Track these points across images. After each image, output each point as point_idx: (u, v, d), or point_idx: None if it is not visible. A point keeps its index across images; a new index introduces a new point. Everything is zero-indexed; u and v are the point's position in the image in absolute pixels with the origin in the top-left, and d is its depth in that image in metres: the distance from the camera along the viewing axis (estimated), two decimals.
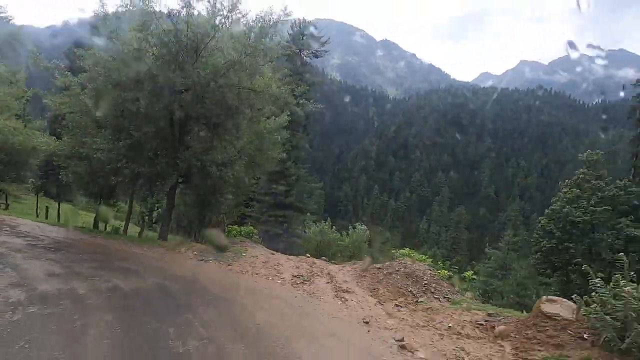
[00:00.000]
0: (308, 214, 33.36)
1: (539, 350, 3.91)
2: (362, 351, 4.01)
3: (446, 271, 7.71)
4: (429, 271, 6.84)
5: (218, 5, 9.94)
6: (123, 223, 15.01)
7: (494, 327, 4.59)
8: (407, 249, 9.56)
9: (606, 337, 3.57)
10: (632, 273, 3.95)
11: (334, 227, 21.57)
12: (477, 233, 72.35)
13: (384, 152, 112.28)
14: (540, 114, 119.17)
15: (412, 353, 3.94)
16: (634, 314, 3.50)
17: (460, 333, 4.57)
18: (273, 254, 10.35)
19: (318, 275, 7.86)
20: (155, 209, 28.17)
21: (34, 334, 3.60)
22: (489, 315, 5.08)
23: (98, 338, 3.64)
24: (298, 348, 3.84)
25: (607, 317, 3.58)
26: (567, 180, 22.57)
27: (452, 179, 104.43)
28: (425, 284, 6.47)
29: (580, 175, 21.58)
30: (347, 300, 5.96)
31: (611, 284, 3.93)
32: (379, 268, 7.56)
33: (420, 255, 8.31)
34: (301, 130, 25.93)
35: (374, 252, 16.70)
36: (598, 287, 3.94)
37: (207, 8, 10.08)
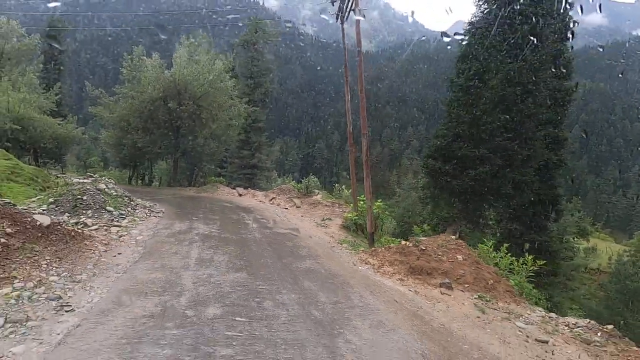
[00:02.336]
0: (274, 171, 46.00)
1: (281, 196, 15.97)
2: (254, 204, 15.90)
3: (301, 185, 19.62)
4: (289, 187, 18.75)
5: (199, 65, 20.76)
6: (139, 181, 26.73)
7: (290, 199, 16.61)
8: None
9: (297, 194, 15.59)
10: None
11: (293, 180, 33.54)
12: None
13: (356, 108, 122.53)
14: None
15: (264, 202, 15.94)
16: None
17: (279, 199, 16.58)
18: (233, 189, 22.19)
19: (250, 195, 19.74)
20: (148, 173, 39.74)
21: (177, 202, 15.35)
22: (294, 198, 17.08)
23: (186, 201, 15.43)
24: (240, 203, 15.72)
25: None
26: None
27: (421, 133, 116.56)
28: (288, 192, 18.39)
29: None
30: (254, 197, 17.91)
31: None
32: (274, 189, 19.51)
33: (298, 185, 20.06)
34: (260, 105, 37.06)
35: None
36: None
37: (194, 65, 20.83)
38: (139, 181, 33.59)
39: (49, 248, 4.92)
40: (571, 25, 21.51)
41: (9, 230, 4.63)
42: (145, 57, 21.15)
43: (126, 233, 7.43)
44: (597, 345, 4.32)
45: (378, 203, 11.88)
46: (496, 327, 4.59)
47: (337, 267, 6.50)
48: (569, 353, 4.10)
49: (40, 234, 4.98)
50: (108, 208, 8.69)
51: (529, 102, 16.80)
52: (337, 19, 10.87)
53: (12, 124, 21.57)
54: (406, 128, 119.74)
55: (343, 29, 10.61)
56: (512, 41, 16.61)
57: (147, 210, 10.15)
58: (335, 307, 4.59)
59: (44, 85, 31.41)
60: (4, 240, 4.43)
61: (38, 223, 5.10)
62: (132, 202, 9.94)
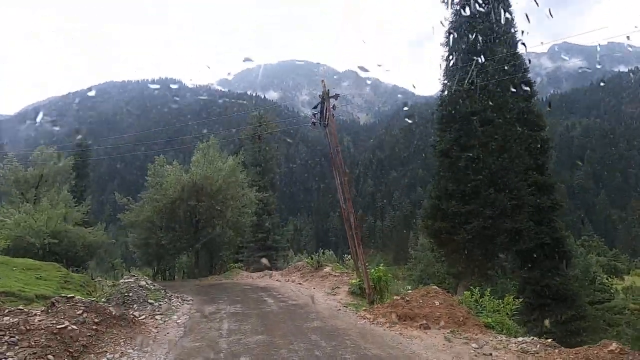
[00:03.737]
0: (290, 249, 47.71)
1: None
2: (271, 283, 17.50)
3: (313, 260, 21.16)
4: (303, 263, 20.37)
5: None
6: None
7: (303, 275, 18.21)
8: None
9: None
10: None
11: (308, 256, 35.16)
12: None
13: (362, 177, 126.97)
14: None
15: (280, 281, 17.54)
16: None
17: (294, 276, 18.16)
18: (251, 272, 23.82)
19: (267, 276, 21.33)
20: (167, 268, 41.84)
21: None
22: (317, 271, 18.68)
23: (210, 289, 17.15)
24: (259, 284, 17.36)
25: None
26: None
27: (430, 191, 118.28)
28: (302, 269, 19.99)
29: None
30: (271, 278, 19.53)
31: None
32: (289, 268, 21.16)
33: (310, 259, 21.67)
34: (270, 189, 40.12)
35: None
36: None
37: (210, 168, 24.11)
38: (161, 277, 35.48)
39: (122, 330, 6.82)
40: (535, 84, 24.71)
41: (96, 320, 6.60)
42: (167, 165, 24.62)
43: (168, 318, 9.24)
44: (531, 353, 5.80)
45: (380, 267, 13.47)
46: (455, 349, 6.13)
47: (339, 324, 8.12)
48: (504, 359, 5.62)
49: (115, 321, 6.92)
50: (150, 300, 10.58)
51: (505, 157, 19.01)
52: (322, 123, 13.71)
53: (50, 239, 24.38)
54: (415, 189, 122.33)
55: (327, 132, 13.34)
56: (480, 110, 19.37)
57: (180, 300, 11.98)
58: (333, 348, 6.25)
59: (75, 200, 35.19)
60: (95, 327, 6.38)
61: (113, 313, 7.07)
62: (167, 294, 11.83)
